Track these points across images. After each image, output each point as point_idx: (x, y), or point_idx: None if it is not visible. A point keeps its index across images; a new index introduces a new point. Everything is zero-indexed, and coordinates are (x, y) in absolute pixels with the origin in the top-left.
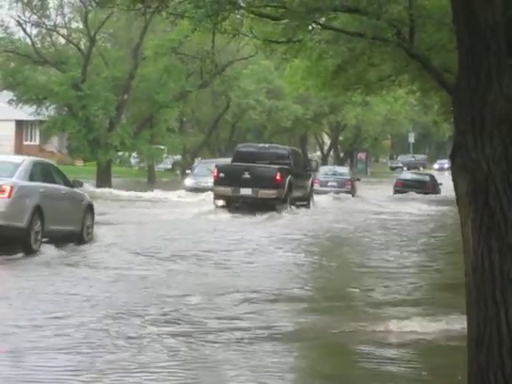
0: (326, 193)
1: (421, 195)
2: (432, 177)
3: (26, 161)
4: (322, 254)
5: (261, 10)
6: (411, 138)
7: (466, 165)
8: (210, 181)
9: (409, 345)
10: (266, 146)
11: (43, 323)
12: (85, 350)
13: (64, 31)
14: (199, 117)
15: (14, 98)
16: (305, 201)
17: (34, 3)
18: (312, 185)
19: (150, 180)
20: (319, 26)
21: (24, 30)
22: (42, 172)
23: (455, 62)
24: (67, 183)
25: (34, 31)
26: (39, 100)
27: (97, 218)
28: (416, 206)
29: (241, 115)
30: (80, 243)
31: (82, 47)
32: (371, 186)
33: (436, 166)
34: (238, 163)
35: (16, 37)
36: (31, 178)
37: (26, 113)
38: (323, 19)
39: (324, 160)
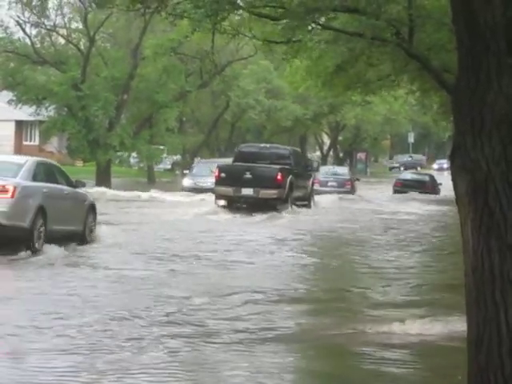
0: (325, 193)
1: (420, 195)
2: (431, 177)
3: (29, 161)
4: (323, 254)
5: (260, 10)
6: (411, 138)
7: (465, 165)
8: (208, 181)
9: (409, 346)
10: (268, 146)
11: (44, 324)
12: (85, 350)
13: (63, 31)
14: (199, 117)
15: (14, 98)
16: (306, 201)
17: (34, 3)
18: (313, 185)
19: (150, 180)
20: (319, 26)
21: (23, 30)
22: (45, 172)
23: (455, 62)
24: (70, 183)
25: (34, 31)
26: (39, 100)
27: (97, 217)
28: (416, 206)
29: (240, 115)
30: (82, 243)
31: (82, 47)
32: (371, 186)
33: (435, 165)
34: (240, 163)
35: (15, 37)
36: (34, 178)
37: (25, 113)
38: (323, 19)
39: (323, 160)
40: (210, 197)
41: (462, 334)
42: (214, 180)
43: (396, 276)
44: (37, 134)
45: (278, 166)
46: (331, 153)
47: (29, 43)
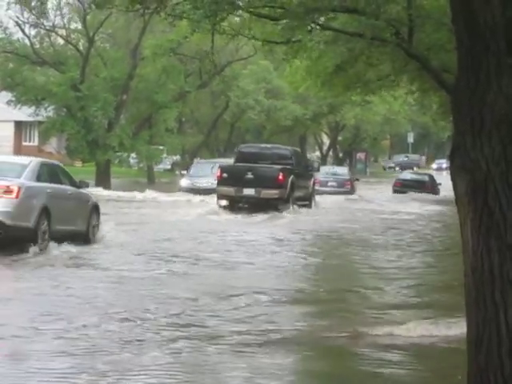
0: (325, 193)
1: (420, 195)
2: (431, 177)
3: (33, 162)
4: (324, 255)
5: (259, 10)
6: (410, 138)
7: (465, 165)
8: (205, 181)
9: (410, 347)
10: (269, 146)
11: (44, 325)
12: (85, 351)
13: (63, 32)
14: (198, 117)
15: (13, 99)
16: (307, 201)
17: (33, 4)
18: (314, 185)
19: (150, 180)
20: (318, 27)
21: (23, 30)
22: (48, 173)
23: (454, 62)
24: (73, 184)
25: (33, 32)
26: (38, 101)
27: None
28: (416, 206)
29: (240, 115)
30: (86, 243)
31: (81, 48)
32: (370, 186)
33: (434, 165)
34: (241, 163)
35: (15, 37)
36: (38, 178)
37: (24, 114)
38: (322, 19)
39: (323, 160)
40: (207, 197)
41: (462, 335)
42: (211, 180)
43: (396, 276)
44: (36, 134)
45: (279, 166)
46: (331, 153)
47: (28, 44)
